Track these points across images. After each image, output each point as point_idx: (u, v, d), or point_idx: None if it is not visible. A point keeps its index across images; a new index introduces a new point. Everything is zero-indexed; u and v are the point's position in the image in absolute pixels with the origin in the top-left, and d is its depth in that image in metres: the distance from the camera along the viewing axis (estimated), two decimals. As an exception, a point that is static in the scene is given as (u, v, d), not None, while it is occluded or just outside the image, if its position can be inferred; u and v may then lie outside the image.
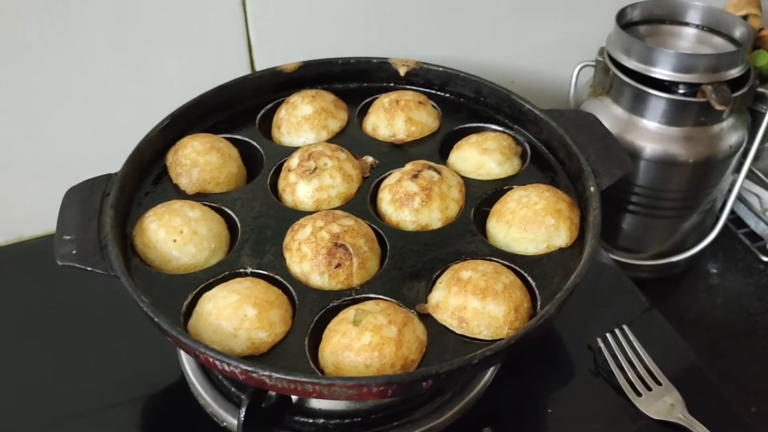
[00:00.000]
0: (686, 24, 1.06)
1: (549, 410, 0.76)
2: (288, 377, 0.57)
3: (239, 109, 0.91)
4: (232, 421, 0.72)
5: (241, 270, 0.70)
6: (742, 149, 1.02)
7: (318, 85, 0.94)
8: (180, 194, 0.78)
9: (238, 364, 0.58)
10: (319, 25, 1.01)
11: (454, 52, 1.11)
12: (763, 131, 1.00)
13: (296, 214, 0.75)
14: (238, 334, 0.63)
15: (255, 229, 0.75)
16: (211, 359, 0.59)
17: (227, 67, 0.97)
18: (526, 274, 0.70)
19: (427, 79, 0.94)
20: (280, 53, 0.99)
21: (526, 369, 0.78)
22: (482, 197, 0.79)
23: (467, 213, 0.77)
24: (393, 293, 0.68)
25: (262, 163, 0.84)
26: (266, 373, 0.57)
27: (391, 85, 0.95)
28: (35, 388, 0.79)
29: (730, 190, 1.06)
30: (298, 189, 0.78)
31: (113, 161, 0.78)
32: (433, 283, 0.70)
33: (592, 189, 0.74)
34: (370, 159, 0.83)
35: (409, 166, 0.79)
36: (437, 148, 0.86)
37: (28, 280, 0.92)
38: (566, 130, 0.81)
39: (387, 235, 0.74)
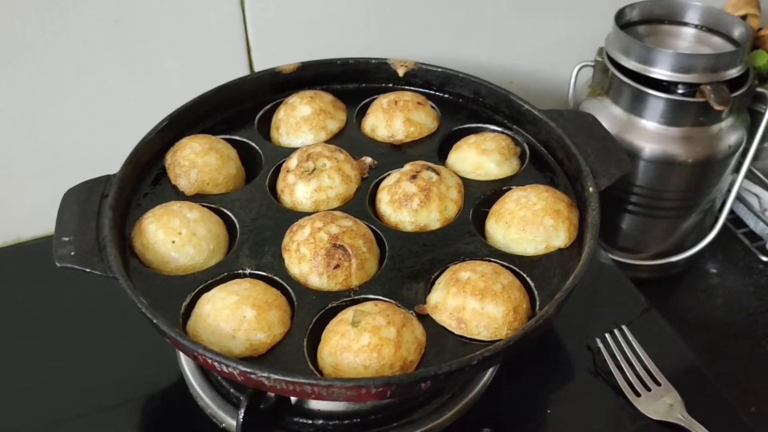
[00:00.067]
0: (685, 24, 1.06)
1: (548, 410, 0.76)
2: (287, 378, 0.57)
3: (238, 110, 0.90)
4: (231, 422, 0.72)
5: (240, 271, 0.70)
6: (741, 149, 1.02)
7: (317, 85, 0.94)
8: (179, 195, 0.78)
9: (236, 365, 0.58)
10: (317, 26, 1.01)
11: (453, 53, 1.11)
12: (762, 131, 1.00)
13: (295, 215, 0.75)
14: (237, 335, 0.63)
15: (254, 230, 0.75)
16: (209, 360, 0.59)
17: (226, 68, 0.97)
18: (524, 275, 0.70)
19: (425, 80, 0.94)
20: (279, 54, 0.99)
21: (526, 369, 0.78)
22: (481, 198, 0.79)
23: (466, 213, 0.77)
24: (392, 294, 0.68)
25: (260, 164, 0.84)
26: (265, 374, 0.57)
27: (390, 85, 0.95)
28: (35, 389, 0.79)
29: (729, 190, 1.06)
30: (297, 190, 0.78)
31: (112, 162, 0.78)
32: (432, 283, 0.70)
33: (590, 189, 0.74)
34: (368, 160, 0.83)
35: (407, 167, 0.79)
36: (436, 148, 0.86)
37: (27, 282, 0.92)
38: (565, 131, 0.81)
39: (386, 236, 0.74)
